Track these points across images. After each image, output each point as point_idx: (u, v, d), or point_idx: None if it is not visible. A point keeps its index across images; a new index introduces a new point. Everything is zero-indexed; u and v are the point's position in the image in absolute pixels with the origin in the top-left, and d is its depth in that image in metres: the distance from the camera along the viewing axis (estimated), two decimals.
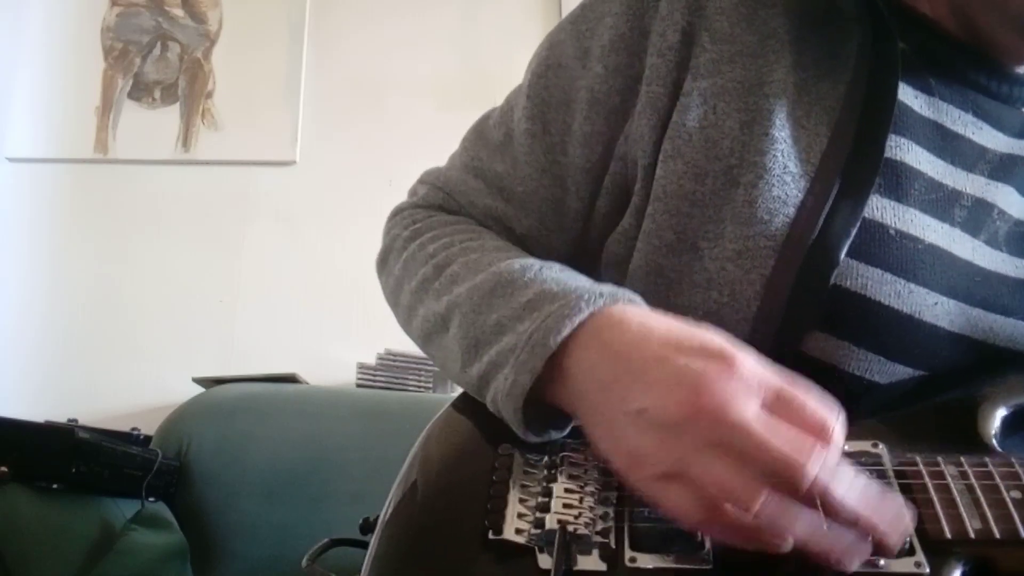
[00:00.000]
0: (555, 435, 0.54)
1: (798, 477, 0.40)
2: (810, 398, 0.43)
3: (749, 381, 0.43)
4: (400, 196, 0.79)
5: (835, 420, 0.42)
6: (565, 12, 2.32)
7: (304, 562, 0.59)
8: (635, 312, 0.50)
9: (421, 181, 0.76)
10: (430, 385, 1.92)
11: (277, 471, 1.56)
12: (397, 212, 0.75)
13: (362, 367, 1.97)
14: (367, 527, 0.56)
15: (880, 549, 0.42)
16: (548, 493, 0.50)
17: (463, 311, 0.57)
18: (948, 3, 0.63)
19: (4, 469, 1.23)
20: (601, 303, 0.50)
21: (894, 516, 0.42)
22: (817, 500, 0.40)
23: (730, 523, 0.42)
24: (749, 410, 0.42)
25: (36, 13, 2.40)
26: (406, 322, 0.68)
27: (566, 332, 0.49)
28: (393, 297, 0.70)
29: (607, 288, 0.52)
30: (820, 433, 0.41)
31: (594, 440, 0.49)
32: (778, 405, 0.43)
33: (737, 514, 0.41)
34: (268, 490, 1.55)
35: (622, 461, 0.46)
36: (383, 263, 0.73)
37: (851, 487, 0.41)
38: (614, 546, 0.47)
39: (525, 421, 0.52)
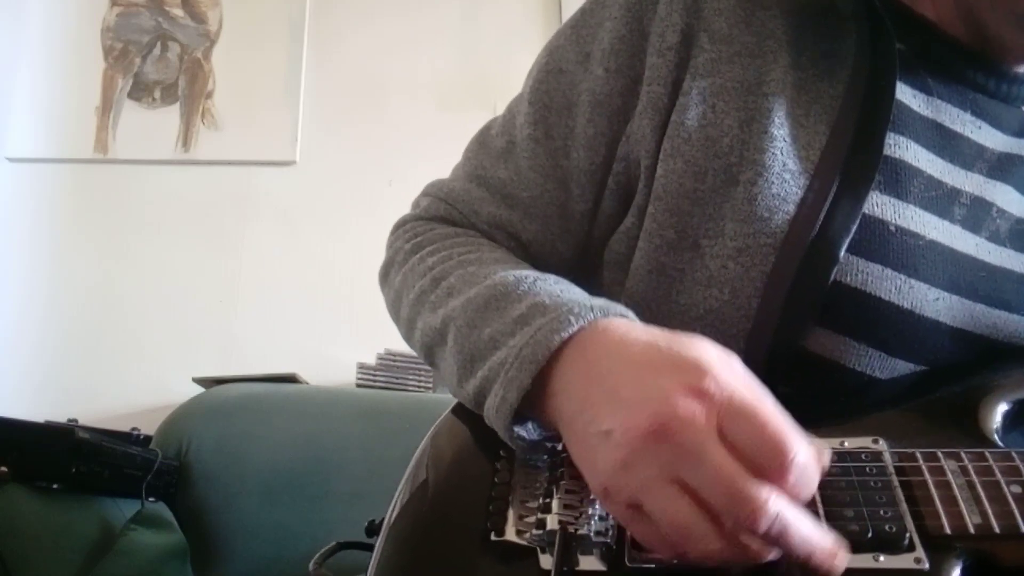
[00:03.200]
0: (551, 446, 0.54)
1: (752, 521, 0.39)
2: (771, 420, 0.41)
3: (714, 399, 0.41)
4: (400, 196, 0.79)
5: (799, 445, 0.40)
6: (565, 12, 2.33)
7: (311, 566, 0.60)
8: (619, 326, 0.49)
9: (424, 193, 0.76)
10: (430, 385, 1.92)
11: (277, 471, 1.56)
12: (400, 225, 0.75)
13: (362, 367, 1.97)
14: (373, 530, 0.56)
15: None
16: (549, 494, 0.50)
17: (458, 325, 0.57)
18: (954, 4, 0.63)
19: (4, 469, 1.23)
20: (591, 317, 0.50)
21: (833, 553, 0.41)
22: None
23: (694, 560, 0.42)
24: (710, 434, 0.41)
25: (36, 13, 2.40)
26: (407, 334, 0.68)
27: (555, 347, 0.49)
28: (394, 310, 0.70)
29: (599, 302, 0.52)
30: (779, 457, 0.40)
31: (574, 459, 0.48)
32: (738, 426, 0.41)
33: (692, 558, 0.41)
34: (268, 490, 1.55)
35: (593, 484, 0.45)
36: (385, 276, 0.73)
37: (803, 529, 0.40)
38: (615, 547, 0.47)
39: (518, 435, 0.52)
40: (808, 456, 0.41)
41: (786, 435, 0.40)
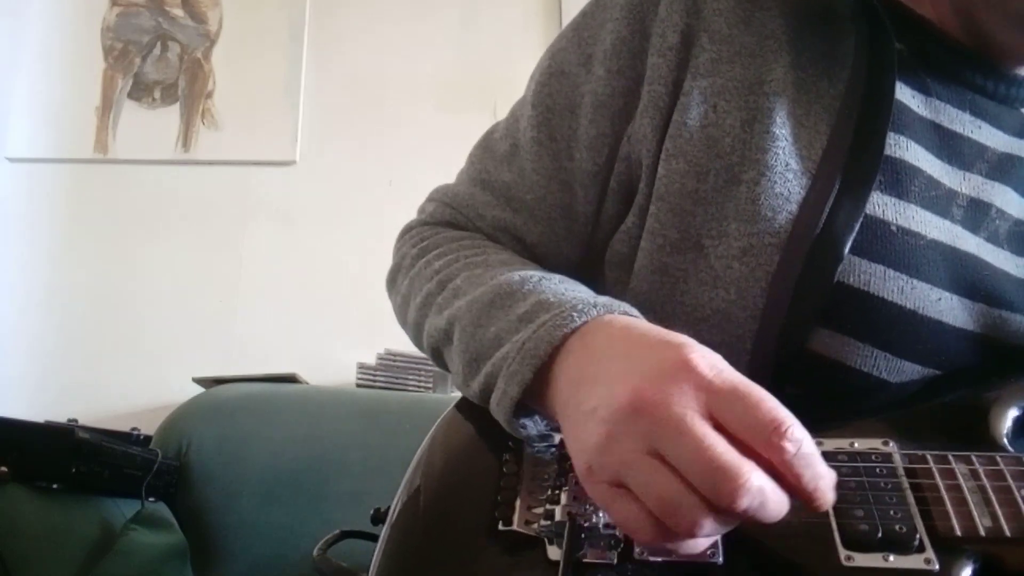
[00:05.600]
0: (558, 438, 0.54)
1: (733, 497, 0.37)
2: (766, 399, 0.40)
3: (700, 375, 0.41)
4: (400, 196, 0.80)
5: (793, 422, 0.39)
6: (565, 14, 2.33)
7: (315, 552, 0.60)
8: (622, 320, 0.50)
9: (429, 199, 0.77)
10: (430, 385, 1.92)
11: (277, 471, 1.56)
12: (406, 231, 0.76)
13: (362, 367, 1.97)
14: (378, 517, 0.56)
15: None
16: (558, 486, 0.51)
17: (463, 324, 0.58)
18: (950, 4, 0.63)
19: (4, 469, 1.22)
20: (595, 313, 0.50)
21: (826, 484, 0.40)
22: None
23: (679, 542, 0.41)
24: (692, 409, 0.40)
25: (36, 13, 2.39)
26: (416, 338, 0.68)
27: (557, 341, 0.49)
28: (401, 315, 0.71)
29: (603, 299, 0.52)
30: (772, 433, 0.38)
31: (567, 444, 0.48)
32: (728, 404, 0.40)
33: (679, 533, 0.40)
34: (268, 490, 1.54)
35: (577, 465, 0.45)
36: (392, 282, 0.73)
37: (776, 503, 0.39)
38: (623, 538, 0.47)
39: (521, 428, 0.52)
40: (805, 433, 0.39)
41: (780, 410, 0.39)
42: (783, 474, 0.39)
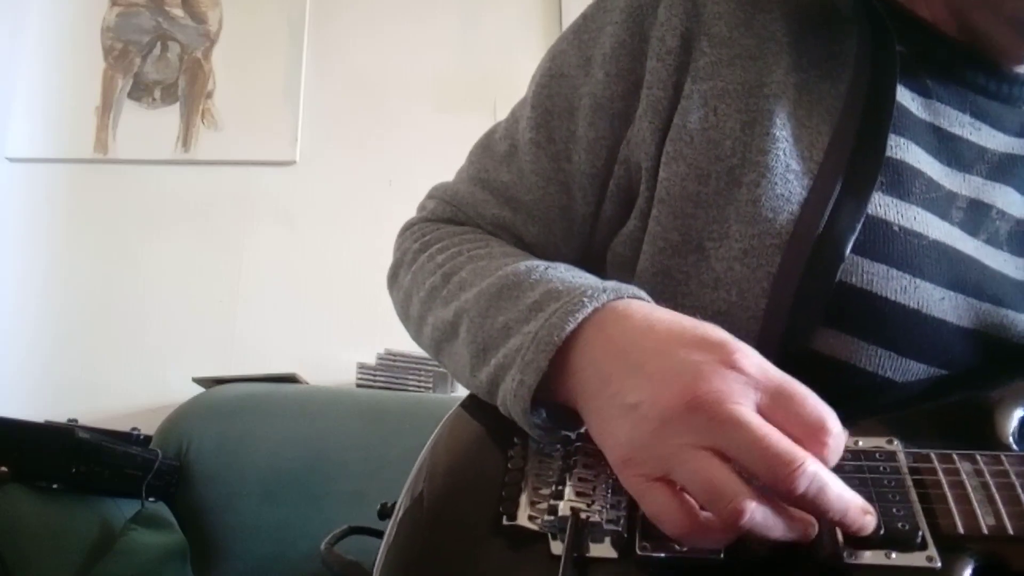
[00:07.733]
0: (570, 435, 0.54)
1: (791, 480, 0.40)
2: (810, 396, 0.43)
3: (748, 375, 0.43)
4: (400, 196, 0.80)
5: (835, 419, 0.42)
6: (565, 16, 2.33)
7: (323, 546, 0.60)
8: (639, 306, 0.50)
9: (429, 196, 0.77)
10: (430, 385, 1.92)
11: (277, 471, 1.56)
12: (407, 227, 0.76)
13: (362, 367, 1.97)
14: (385, 512, 0.56)
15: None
16: (562, 481, 0.51)
17: (471, 316, 0.58)
18: (945, 5, 0.64)
19: (4, 469, 1.22)
20: (605, 298, 0.51)
21: (865, 510, 0.42)
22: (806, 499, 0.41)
23: (711, 535, 0.42)
24: (745, 406, 0.42)
25: (36, 13, 2.39)
26: (417, 333, 0.68)
27: (570, 329, 0.50)
28: (403, 310, 0.71)
29: (611, 284, 0.53)
30: (818, 431, 0.42)
31: (593, 435, 0.49)
32: (777, 402, 0.43)
33: (721, 523, 0.41)
34: (268, 490, 1.54)
35: (614, 456, 0.46)
36: (393, 278, 0.73)
37: (838, 487, 0.41)
38: (626, 535, 0.47)
39: (535, 421, 0.52)
40: (841, 430, 0.43)
41: (825, 409, 0.42)
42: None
